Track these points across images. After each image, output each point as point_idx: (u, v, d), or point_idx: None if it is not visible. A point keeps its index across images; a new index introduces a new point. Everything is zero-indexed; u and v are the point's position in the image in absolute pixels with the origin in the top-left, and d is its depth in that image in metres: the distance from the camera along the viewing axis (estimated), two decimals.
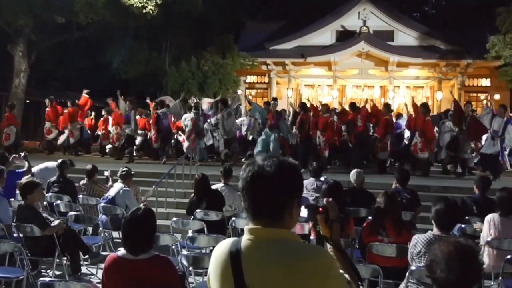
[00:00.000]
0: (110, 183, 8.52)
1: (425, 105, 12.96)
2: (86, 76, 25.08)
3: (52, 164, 8.84)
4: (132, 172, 8.03)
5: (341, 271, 1.78)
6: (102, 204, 7.39)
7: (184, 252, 4.96)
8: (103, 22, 18.02)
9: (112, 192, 7.53)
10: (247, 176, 1.75)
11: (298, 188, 1.80)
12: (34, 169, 8.87)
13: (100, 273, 4.26)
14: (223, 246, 1.82)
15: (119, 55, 21.53)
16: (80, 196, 7.99)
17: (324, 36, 24.12)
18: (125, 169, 7.86)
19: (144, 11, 16.75)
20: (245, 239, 1.75)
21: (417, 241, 4.11)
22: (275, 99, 15.58)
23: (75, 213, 7.03)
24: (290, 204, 1.75)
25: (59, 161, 8.51)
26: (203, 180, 7.11)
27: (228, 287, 1.73)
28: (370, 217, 5.52)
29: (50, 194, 8.10)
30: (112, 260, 3.47)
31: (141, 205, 7.41)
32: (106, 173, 8.99)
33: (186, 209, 7.27)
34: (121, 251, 3.51)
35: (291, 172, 1.76)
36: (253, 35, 25.01)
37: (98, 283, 4.51)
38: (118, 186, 7.60)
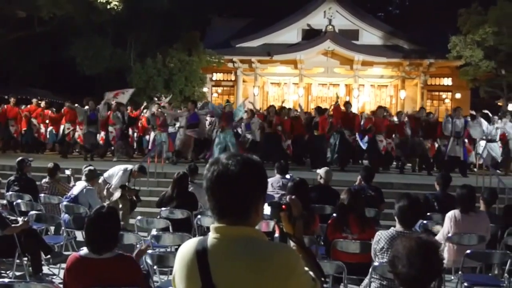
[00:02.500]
0: (72, 182, 8.35)
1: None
2: (49, 72, 24.49)
3: (119, 167, 8.66)
4: (98, 172, 7.91)
5: (306, 268, 1.79)
6: (65, 202, 7.21)
7: (149, 251, 4.91)
8: (66, 17, 17.65)
9: (75, 191, 7.36)
10: (211, 176, 1.73)
11: (263, 186, 1.80)
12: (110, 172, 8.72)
13: (62, 274, 4.18)
14: (189, 245, 1.80)
15: (83, 51, 21.08)
16: (42, 195, 7.79)
17: (291, 34, 24.27)
18: (89, 167, 7.71)
19: (108, 6, 16.47)
20: (211, 237, 1.74)
21: (380, 237, 4.18)
22: (228, 101, 15.34)
23: (37, 212, 6.84)
24: (255, 202, 1.75)
25: (18, 159, 8.28)
26: (182, 179, 6.96)
27: (195, 287, 1.71)
28: (335, 214, 5.58)
29: (10, 193, 7.87)
30: (74, 260, 3.41)
31: (105, 203, 7.28)
32: (67, 172, 8.82)
33: (157, 202, 7.13)
34: (84, 250, 3.46)
35: (256, 170, 1.76)
36: (219, 33, 24.94)
37: (60, 283, 4.41)
38: (81, 184, 7.44)
